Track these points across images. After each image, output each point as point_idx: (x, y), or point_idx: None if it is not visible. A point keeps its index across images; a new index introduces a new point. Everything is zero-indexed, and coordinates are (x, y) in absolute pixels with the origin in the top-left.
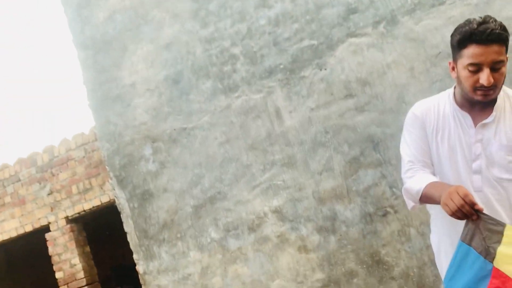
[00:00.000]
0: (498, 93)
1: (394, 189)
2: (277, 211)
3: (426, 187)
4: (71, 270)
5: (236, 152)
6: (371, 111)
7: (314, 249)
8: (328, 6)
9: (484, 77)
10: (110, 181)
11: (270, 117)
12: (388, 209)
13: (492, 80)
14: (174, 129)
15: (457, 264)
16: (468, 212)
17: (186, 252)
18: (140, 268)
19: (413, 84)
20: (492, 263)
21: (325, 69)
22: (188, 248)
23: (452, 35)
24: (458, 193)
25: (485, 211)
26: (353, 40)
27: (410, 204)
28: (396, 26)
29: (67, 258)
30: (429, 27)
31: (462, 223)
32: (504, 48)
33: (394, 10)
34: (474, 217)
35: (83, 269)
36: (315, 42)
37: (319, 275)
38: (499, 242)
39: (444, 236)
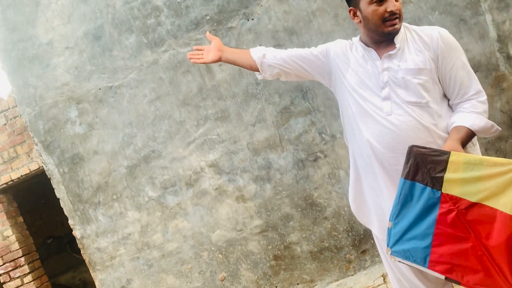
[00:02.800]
0: (401, 24)
1: (323, 135)
2: (213, 165)
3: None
4: (4, 243)
5: (168, 108)
6: None
7: (251, 198)
8: None
9: (391, 3)
10: (35, 147)
11: (200, 71)
12: (319, 154)
13: (398, 6)
14: (100, 88)
15: (402, 201)
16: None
17: (124, 212)
18: (77, 233)
19: (337, 31)
20: (441, 190)
21: (252, 19)
22: (126, 208)
23: None
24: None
25: (396, 135)
26: None
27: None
28: None
29: None
30: None
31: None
32: None
33: None
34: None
35: (18, 240)
36: None
37: (257, 221)
38: (444, 170)
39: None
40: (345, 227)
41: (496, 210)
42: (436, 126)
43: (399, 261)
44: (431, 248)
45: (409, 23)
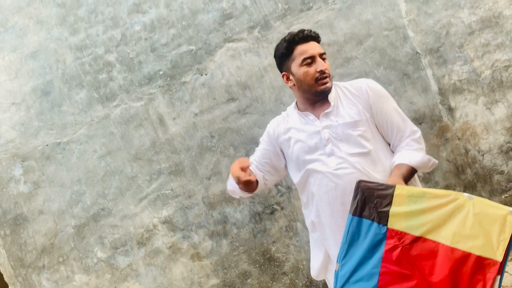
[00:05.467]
0: (332, 82)
1: (279, 187)
2: (167, 221)
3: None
4: None
5: (119, 164)
6: (253, 113)
7: (207, 255)
8: (203, 11)
9: (320, 64)
10: None
11: (153, 125)
12: (275, 206)
13: (326, 66)
14: (47, 145)
15: (350, 239)
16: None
17: (71, 276)
18: None
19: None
20: (386, 225)
21: (206, 74)
22: (73, 271)
23: (276, 50)
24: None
25: (343, 188)
26: (230, 45)
27: (236, 194)
28: (270, 31)
29: None
30: None
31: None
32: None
33: (267, 16)
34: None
35: None
36: (193, 47)
37: (214, 280)
38: (390, 204)
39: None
40: (304, 282)
41: (438, 243)
42: (382, 173)
43: None
44: None
45: (356, 77)
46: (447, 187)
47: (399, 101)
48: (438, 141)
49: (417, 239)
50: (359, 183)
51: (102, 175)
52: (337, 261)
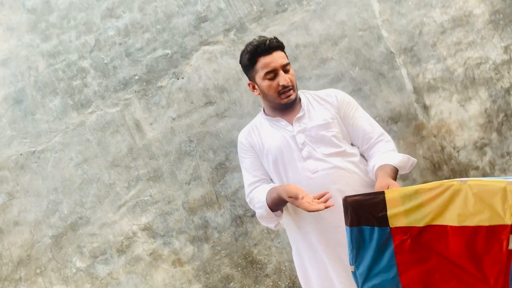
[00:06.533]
0: (297, 92)
1: None
2: (147, 228)
3: (266, 196)
4: None
5: (96, 171)
6: (231, 116)
7: (188, 261)
8: (178, 15)
9: (282, 78)
10: None
11: (130, 131)
12: None
13: (288, 80)
14: (21, 154)
15: (356, 246)
16: (315, 209)
17: (49, 287)
18: None
19: None
20: (389, 226)
21: (182, 78)
22: (51, 283)
23: (241, 59)
24: (291, 197)
25: (327, 188)
26: (206, 48)
27: (271, 224)
28: (246, 33)
29: None
30: (275, 32)
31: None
32: (284, 53)
33: (242, 18)
34: (331, 204)
35: None
36: (169, 51)
37: (196, 286)
38: (385, 209)
39: (303, 244)
40: (286, 283)
41: (445, 226)
42: (360, 169)
43: None
44: (399, 276)
45: (332, 79)
46: (424, 183)
47: (375, 100)
48: (414, 139)
49: (423, 229)
50: (345, 198)
51: (79, 183)
52: (350, 264)
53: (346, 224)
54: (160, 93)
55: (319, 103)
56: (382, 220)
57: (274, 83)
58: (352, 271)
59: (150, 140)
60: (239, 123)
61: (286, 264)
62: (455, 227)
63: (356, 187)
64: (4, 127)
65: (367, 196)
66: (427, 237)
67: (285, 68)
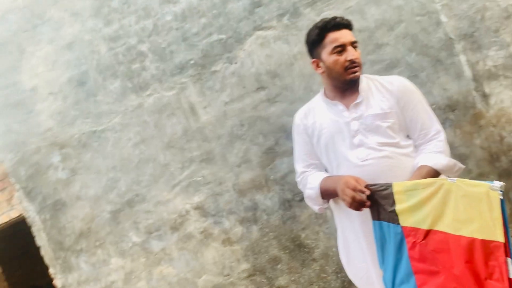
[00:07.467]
0: (361, 71)
1: None
2: (199, 208)
3: (321, 183)
4: None
5: (153, 152)
6: (282, 101)
7: (238, 241)
8: (233, 0)
9: (350, 53)
10: (16, 194)
11: (185, 114)
12: None
13: (357, 55)
14: (83, 133)
15: (380, 244)
16: (360, 200)
17: (107, 259)
18: (58, 282)
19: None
20: (399, 224)
21: (236, 63)
22: (109, 255)
23: (308, 36)
24: (348, 187)
25: (374, 178)
26: (260, 33)
27: (315, 208)
28: (299, 18)
29: None
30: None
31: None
32: (352, 33)
33: (296, 3)
34: (368, 203)
35: None
36: (223, 36)
37: (245, 265)
38: (394, 203)
39: (348, 230)
40: (333, 268)
41: (445, 234)
42: (411, 162)
43: None
44: None
45: (388, 64)
46: (480, 174)
47: (432, 87)
48: (471, 128)
49: (427, 233)
50: (366, 187)
51: (136, 163)
52: (380, 267)
53: (371, 217)
54: (214, 78)
55: (379, 91)
56: (393, 216)
57: (342, 58)
58: (383, 276)
59: (204, 123)
60: (289, 109)
61: (333, 250)
62: (453, 236)
63: (404, 179)
64: (68, 108)
65: (380, 186)
66: (433, 245)
67: (353, 45)
